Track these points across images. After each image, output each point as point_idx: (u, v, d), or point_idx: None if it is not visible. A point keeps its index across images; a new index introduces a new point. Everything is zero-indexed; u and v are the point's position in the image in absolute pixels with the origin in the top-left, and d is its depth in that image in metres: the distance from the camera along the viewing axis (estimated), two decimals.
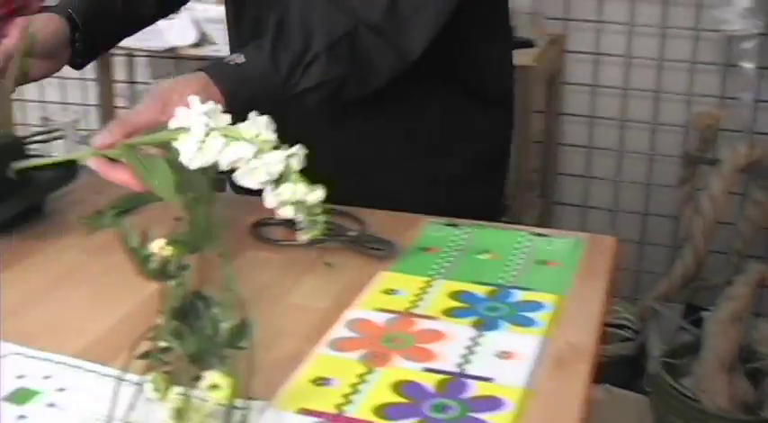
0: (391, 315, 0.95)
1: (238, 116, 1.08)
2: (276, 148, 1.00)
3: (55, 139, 2.07)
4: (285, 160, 0.98)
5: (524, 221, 2.46)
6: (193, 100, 0.99)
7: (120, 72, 3.32)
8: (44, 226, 1.20)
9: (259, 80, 1.15)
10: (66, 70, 1.45)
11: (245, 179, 0.96)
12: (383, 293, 1.00)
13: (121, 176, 1.06)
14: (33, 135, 1.43)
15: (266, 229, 1.15)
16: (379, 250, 1.08)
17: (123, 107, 3.45)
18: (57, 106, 3.34)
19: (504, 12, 1.48)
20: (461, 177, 1.44)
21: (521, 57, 2.61)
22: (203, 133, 0.96)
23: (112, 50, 3.10)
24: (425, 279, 1.03)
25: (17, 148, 1.21)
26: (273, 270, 1.06)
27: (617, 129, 2.86)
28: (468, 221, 1.19)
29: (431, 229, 1.17)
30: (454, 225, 1.18)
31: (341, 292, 1.00)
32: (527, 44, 2.62)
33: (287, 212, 1.00)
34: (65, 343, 0.90)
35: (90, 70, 3.39)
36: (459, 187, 1.44)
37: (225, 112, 1.11)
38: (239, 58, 1.15)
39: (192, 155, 0.97)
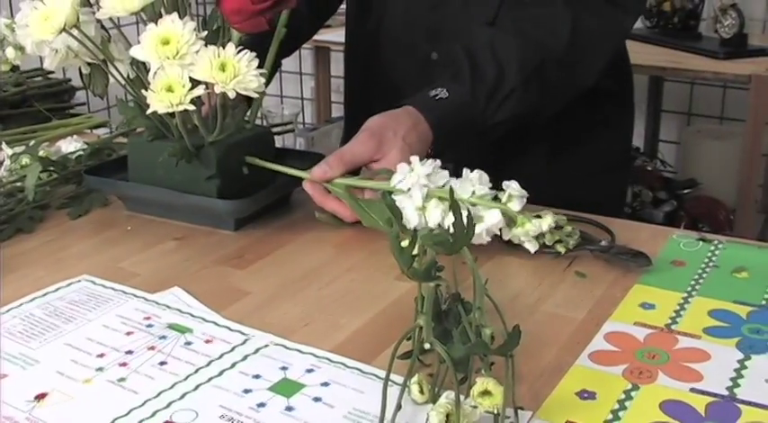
0: (650, 330, 0.92)
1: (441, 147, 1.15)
2: (496, 198, 1.01)
3: (288, 131, 2.14)
4: (503, 211, 0.99)
5: (744, 236, 2.37)
6: (415, 160, 1.02)
7: (337, 67, 3.37)
8: (291, 218, 1.22)
9: (460, 114, 1.19)
10: (285, 64, 1.48)
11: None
12: (639, 307, 0.97)
13: (334, 205, 1.14)
14: (271, 127, 1.46)
15: None
16: (632, 262, 1.05)
17: (338, 102, 3.51)
18: (274, 99, 3.42)
19: None
20: (588, 173, 1.45)
21: (752, 66, 2.53)
22: (422, 199, 0.99)
23: (331, 46, 3.17)
24: (681, 294, 1.00)
25: (268, 140, 1.24)
26: (524, 277, 1.04)
27: None
28: (716, 237, 1.15)
29: (679, 241, 1.14)
30: (705, 239, 1.14)
31: (595, 304, 0.97)
32: (760, 52, 2.53)
33: (533, 247, 1.01)
34: (321, 338, 0.91)
35: (307, 65, 3.46)
36: (585, 183, 1.45)
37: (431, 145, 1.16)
38: (443, 93, 1.19)
39: (415, 220, 0.99)
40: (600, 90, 1.39)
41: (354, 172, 1.15)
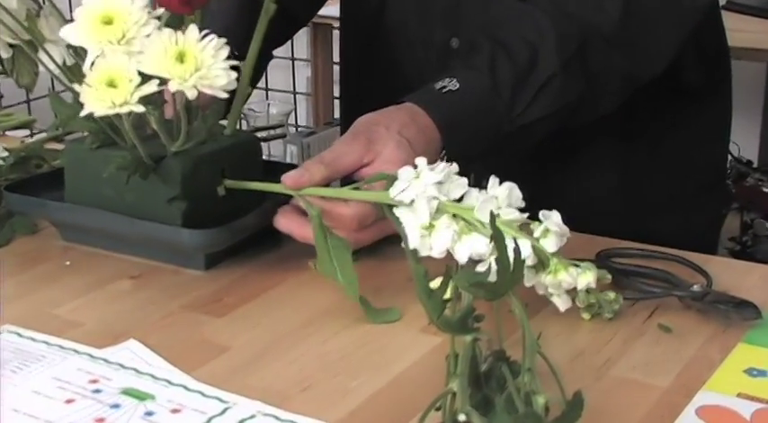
0: (760, 405, 0.94)
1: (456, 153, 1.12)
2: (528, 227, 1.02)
3: (277, 137, 2.16)
4: (535, 248, 1.00)
5: None
6: (421, 162, 1.03)
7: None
8: (280, 252, 1.24)
9: (478, 108, 1.20)
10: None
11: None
12: (744, 374, 0.99)
13: (306, 233, 1.14)
14: (255, 131, 1.49)
15: None
16: (735, 313, 1.07)
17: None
18: (258, 93, 3.41)
19: None
20: (670, 197, 1.49)
21: None
22: (429, 215, 1.00)
23: (334, 23, 3.19)
24: None
25: (253, 150, 1.26)
26: (589, 330, 1.06)
27: None
28: None
29: None
30: None
31: (685, 367, 0.99)
32: None
33: (563, 304, 1.02)
34: (325, 406, 0.93)
35: (302, 48, 3.45)
36: (667, 209, 1.48)
37: (442, 149, 1.16)
38: (452, 84, 1.19)
39: (418, 242, 1.01)
40: (683, 85, 1.41)
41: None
